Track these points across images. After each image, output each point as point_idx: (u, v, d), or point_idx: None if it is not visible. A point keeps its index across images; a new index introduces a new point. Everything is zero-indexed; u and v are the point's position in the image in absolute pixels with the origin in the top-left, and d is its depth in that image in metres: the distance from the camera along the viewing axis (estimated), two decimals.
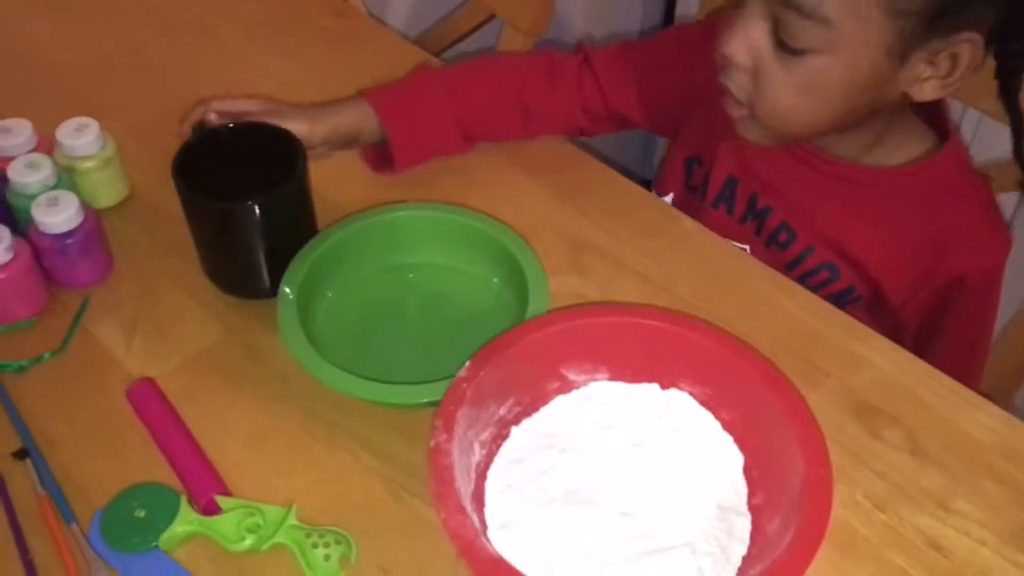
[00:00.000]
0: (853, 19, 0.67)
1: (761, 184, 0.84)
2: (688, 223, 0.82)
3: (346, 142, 0.82)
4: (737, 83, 0.74)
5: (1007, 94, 0.75)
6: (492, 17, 1.08)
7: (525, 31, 1.01)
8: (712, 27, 0.86)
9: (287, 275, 0.69)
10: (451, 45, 1.14)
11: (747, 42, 0.71)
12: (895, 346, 0.72)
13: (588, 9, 1.48)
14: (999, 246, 0.81)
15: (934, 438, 0.66)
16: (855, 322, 0.74)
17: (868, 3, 0.66)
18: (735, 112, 0.77)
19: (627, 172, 0.86)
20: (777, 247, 0.84)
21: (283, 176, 0.70)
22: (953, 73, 0.70)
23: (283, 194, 0.70)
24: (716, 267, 0.78)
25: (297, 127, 0.76)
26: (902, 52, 0.69)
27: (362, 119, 0.82)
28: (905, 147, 0.80)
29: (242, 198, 0.68)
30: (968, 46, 0.69)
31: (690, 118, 0.89)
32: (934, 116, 0.80)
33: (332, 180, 0.80)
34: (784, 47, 0.70)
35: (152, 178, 0.82)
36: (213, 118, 0.78)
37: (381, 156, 0.84)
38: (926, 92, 0.72)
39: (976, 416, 0.67)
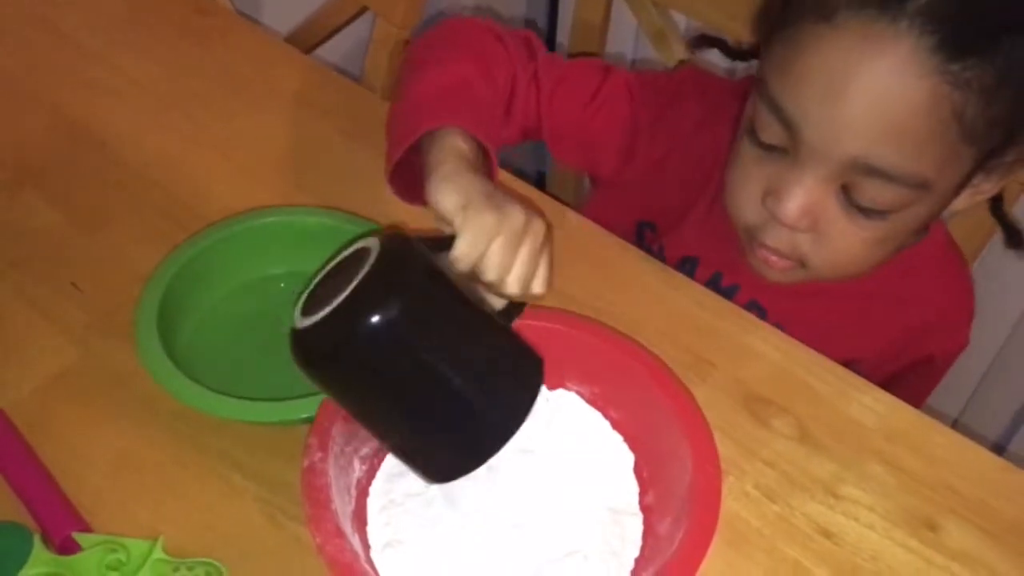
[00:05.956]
0: (947, 169, 0.61)
1: (726, 264, 0.78)
2: (573, 217, 0.80)
3: None
4: (790, 243, 0.66)
5: (997, 205, 0.74)
6: (364, 10, 1.05)
7: (398, 24, 0.98)
8: (682, 81, 0.79)
9: (143, 296, 0.64)
10: (323, 40, 1.10)
11: (809, 207, 0.63)
12: (784, 335, 0.71)
13: None
14: (969, 329, 0.80)
15: (822, 425, 0.66)
16: (744, 313, 0.73)
17: (962, 151, 0.61)
18: (778, 264, 0.69)
19: (519, 172, 0.83)
20: None
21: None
22: (984, 185, 0.67)
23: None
24: (605, 263, 0.76)
25: None
26: (969, 180, 0.65)
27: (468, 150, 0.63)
28: None
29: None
30: (1008, 164, 0.65)
31: (635, 176, 0.81)
32: None
33: (199, 187, 0.76)
34: (859, 208, 0.63)
35: None
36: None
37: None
38: (959, 203, 0.68)
39: (861, 400, 0.67)
